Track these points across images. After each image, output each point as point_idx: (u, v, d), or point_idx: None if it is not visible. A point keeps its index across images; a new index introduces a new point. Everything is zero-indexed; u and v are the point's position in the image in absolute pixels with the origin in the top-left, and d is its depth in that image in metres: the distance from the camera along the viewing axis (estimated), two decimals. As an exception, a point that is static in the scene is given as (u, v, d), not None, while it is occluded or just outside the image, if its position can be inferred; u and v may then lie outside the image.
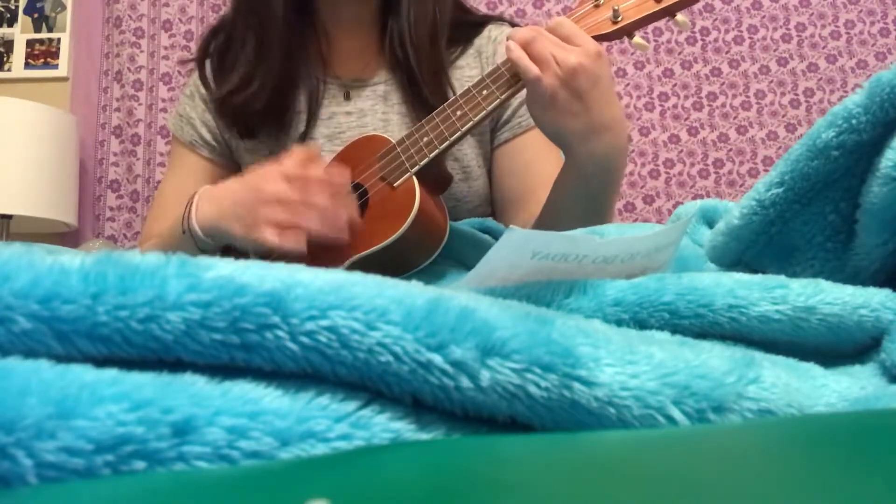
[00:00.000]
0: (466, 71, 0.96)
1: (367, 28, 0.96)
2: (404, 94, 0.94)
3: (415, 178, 0.75)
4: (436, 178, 0.81)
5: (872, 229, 0.43)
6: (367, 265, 0.74)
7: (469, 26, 0.99)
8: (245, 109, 0.91)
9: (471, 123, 0.74)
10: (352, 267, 0.75)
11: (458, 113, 0.75)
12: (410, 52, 0.90)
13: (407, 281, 0.29)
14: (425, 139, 0.76)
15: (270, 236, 0.70)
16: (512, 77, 0.73)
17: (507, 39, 0.71)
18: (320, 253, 0.78)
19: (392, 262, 0.74)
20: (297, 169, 0.71)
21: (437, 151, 0.75)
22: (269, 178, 0.72)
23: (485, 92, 0.74)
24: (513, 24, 1.02)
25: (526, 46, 0.69)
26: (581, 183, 0.76)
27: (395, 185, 0.76)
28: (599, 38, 0.74)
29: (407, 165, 0.76)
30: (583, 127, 0.70)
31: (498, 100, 0.74)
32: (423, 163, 0.75)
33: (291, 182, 0.71)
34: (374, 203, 0.78)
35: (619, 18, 0.73)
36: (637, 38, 0.75)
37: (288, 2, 0.90)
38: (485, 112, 0.74)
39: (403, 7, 0.91)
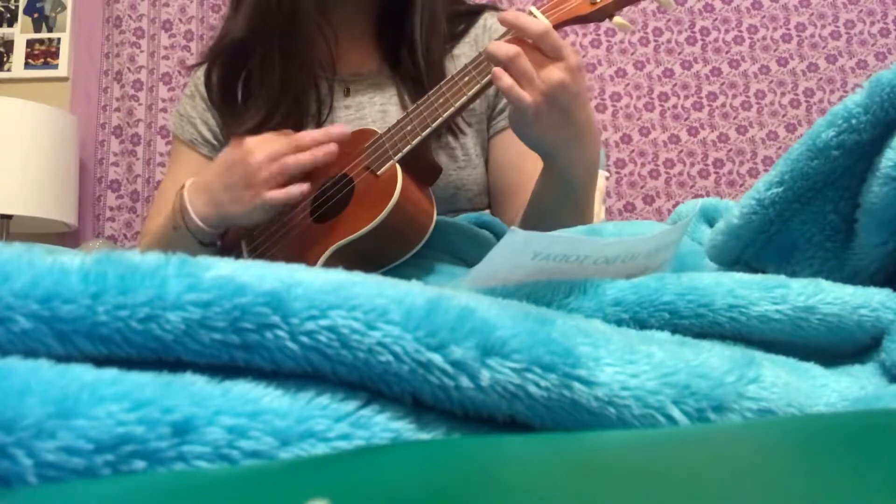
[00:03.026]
0: (463, 60, 0.96)
1: (366, 22, 0.97)
2: (400, 85, 0.94)
3: (398, 165, 0.75)
4: (424, 168, 0.81)
5: (872, 229, 0.43)
6: (350, 252, 0.74)
7: (464, 16, 1.00)
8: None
9: (452, 109, 0.74)
10: (335, 254, 0.75)
11: (441, 100, 0.75)
12: (422, 66, 0.90)
13: (406, 280, 0.29)
14: (408, 127, 0.76)
15: (275, 195, 0.75)
16: None
17: (491, 55, 0.70)
18: (303, 241, 0.79)
19: (375, 250, 0.74)
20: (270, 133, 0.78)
21: (419, 138, 0.75)
22: (250, 148, 0.77)
23: (466, 78, 0.75)
24: None
25: (510, 64, 0.69)
26: (565, 187, 0.78)
27: (378, 172, 0.76)
28: (578, 21, 0.73)
29: (391, 153, 0.76)
30: (565, 138, 0.72)
31: (479, 84, 0.73)
32: (406, 150, 0.76)
33: (271, 141, 0.76)
34: (358, 192, 0.78)
35: None
36: (617, 18, 0.73)
37: (309, 15, 0.89)
38: (466, 97, 0.74)
39: (416, 17, 0.90)
